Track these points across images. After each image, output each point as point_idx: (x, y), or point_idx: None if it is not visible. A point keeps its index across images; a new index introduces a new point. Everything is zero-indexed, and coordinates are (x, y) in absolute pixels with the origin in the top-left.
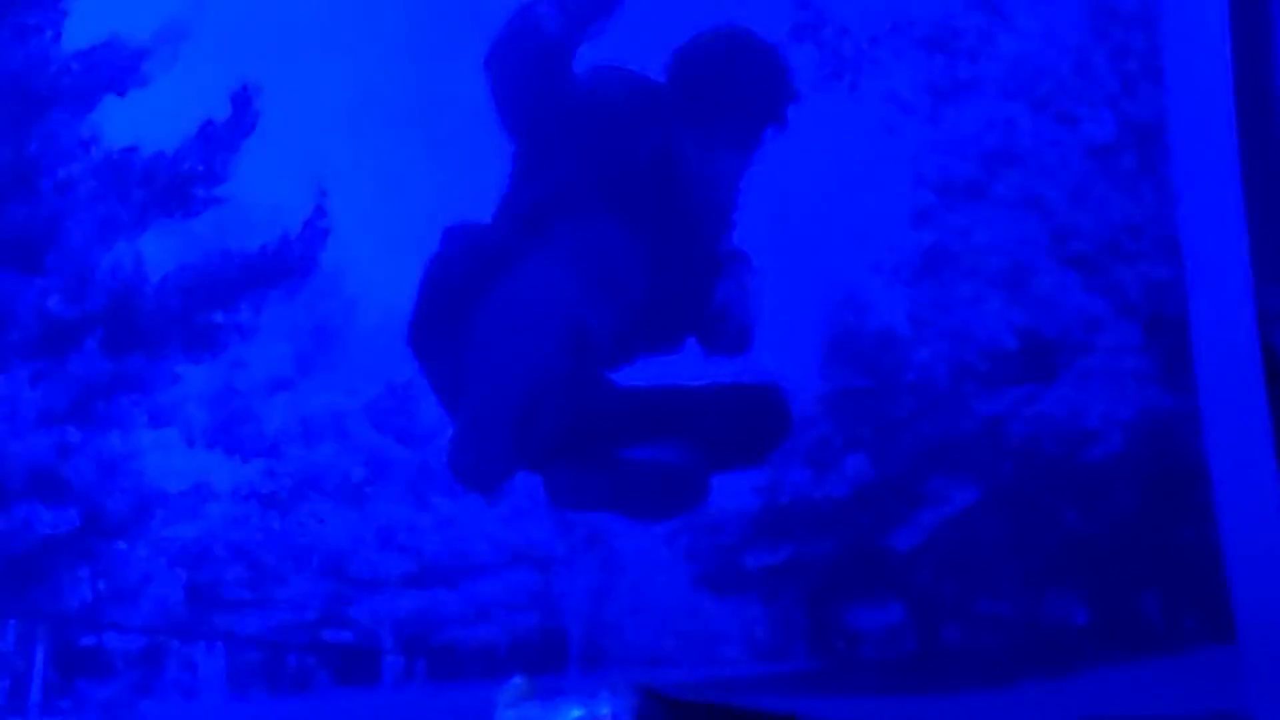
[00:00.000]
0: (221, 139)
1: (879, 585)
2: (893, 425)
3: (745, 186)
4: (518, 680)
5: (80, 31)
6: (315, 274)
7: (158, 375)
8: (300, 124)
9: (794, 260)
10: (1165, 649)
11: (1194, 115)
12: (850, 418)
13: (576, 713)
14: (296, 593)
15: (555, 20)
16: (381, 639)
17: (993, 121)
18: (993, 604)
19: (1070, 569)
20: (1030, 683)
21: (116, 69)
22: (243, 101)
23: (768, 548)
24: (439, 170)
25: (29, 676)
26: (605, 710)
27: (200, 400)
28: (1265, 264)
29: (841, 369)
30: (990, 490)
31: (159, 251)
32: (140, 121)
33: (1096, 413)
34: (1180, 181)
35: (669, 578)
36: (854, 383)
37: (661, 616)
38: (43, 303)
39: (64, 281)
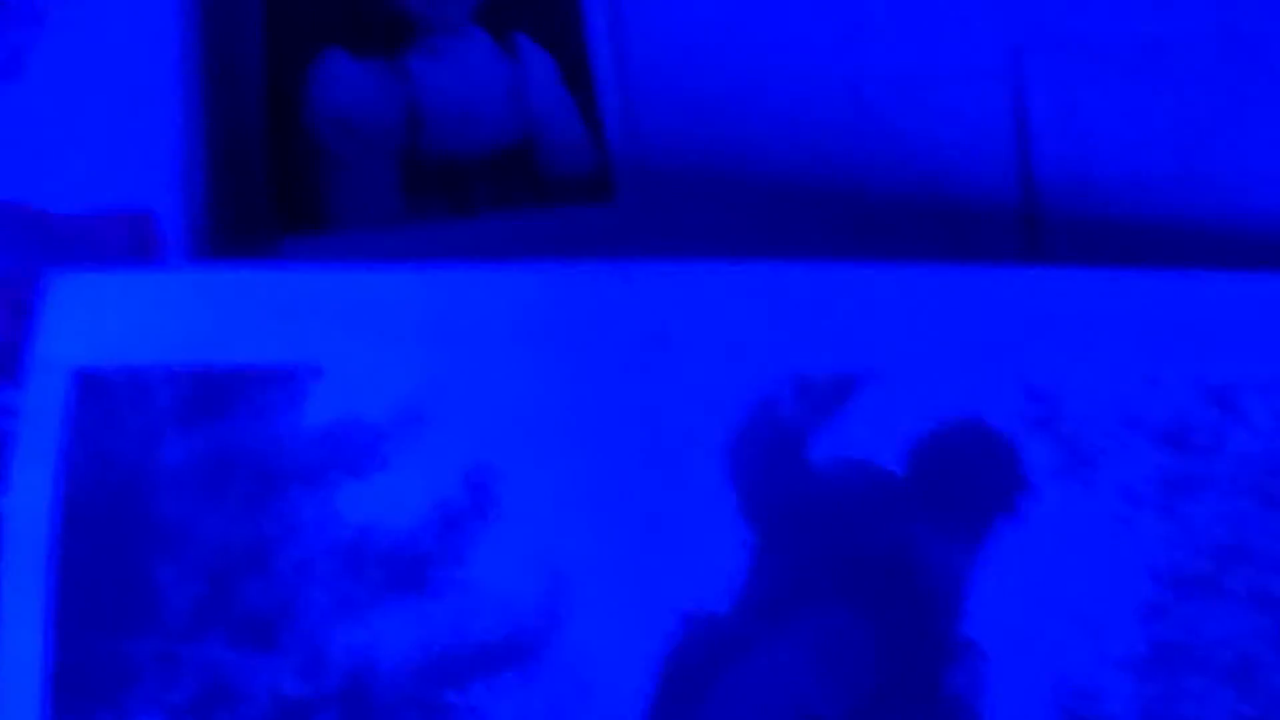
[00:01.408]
0: (457, 523)
1: None
2: None
3: (976, 574)
4: None
5: (320, 410)
6: (549, 659)
7: None
8: (536, 509)
9: (1025, 650)
10: None
11: None
12: None
13: None
14: None
15: (795, 410)
16: None
17: (1223, 517)
18: None
19: None
20: None
21: (355, 450)
22: (478, 486)
23: None
24: (676, 559)
25: None
26: None
27: None
28: None
29: None
30: None
31: (393, 632)
32: (376, 502)
33: None
34: None
35: None
36: None
37: None
38: (276, 682)
39: (298, 661)
